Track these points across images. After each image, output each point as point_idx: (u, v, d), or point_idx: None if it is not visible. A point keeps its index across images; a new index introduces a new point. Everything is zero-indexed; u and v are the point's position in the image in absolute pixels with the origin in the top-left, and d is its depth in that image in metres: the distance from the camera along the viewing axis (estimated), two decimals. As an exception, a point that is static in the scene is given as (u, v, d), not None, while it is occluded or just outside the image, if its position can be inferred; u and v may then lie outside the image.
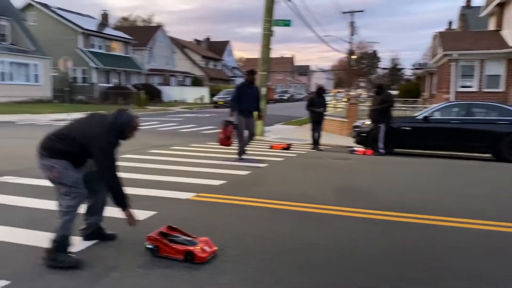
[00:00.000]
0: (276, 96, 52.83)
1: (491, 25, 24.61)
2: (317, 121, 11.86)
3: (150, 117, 23.67)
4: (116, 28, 48.71)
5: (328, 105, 13.36)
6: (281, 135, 15.34)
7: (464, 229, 4.53)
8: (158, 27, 51.92)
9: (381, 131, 10.79)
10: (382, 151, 10.78)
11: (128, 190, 5.69)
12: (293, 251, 3.77)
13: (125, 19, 71.02)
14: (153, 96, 37.22)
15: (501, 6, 22.12)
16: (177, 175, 7.02)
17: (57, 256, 3.30)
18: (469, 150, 11.16)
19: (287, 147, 11.38)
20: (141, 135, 14.60)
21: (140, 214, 4.67)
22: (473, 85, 20.87)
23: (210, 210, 5.06)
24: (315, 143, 11.83)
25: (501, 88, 20.33)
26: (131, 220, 3.62)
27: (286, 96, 57.37)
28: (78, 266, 3.28)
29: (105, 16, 44.42)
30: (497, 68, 20.50)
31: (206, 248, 3.54)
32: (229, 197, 5.65)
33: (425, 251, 3.85)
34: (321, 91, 12.02)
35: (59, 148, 3.41)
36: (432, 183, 7.28)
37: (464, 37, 23.45)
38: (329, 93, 61.43)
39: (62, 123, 15.01)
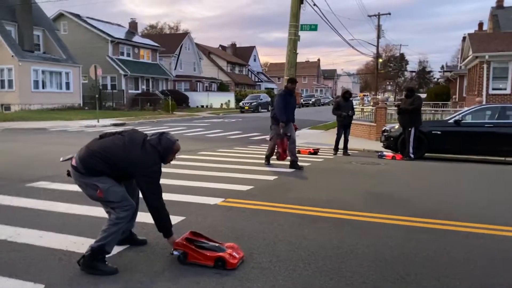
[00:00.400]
0: (301, 101, 52.61)
1: (525, 25, 23.80)
2: (344, 125, 11.69)
3: (177, 122, 23.97)
4: (144, 36, 49.73)
5: (355, 109, 13.15)
6: (307, 140, 15.22)
7: (509, 237, 4.34)
8: (185, 34, 52.68)
9: (411, 135, 10.55)
10: (412, 155, 10.53)
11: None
12: (328, 259, 3.68)
13: (152, 27, 72.51)
14: (180, 101, 37.68)
15: (535, 5, 21.35)
16: (205, 180, 7.05)
17: (96, 264, 3.31)
18: (503, 155, 10.78)
19: (314, 152, 11.27)
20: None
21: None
22: (506, 88, 20.18)
23: (238, 215, 5.04)
24: (344, 147, 11.60)
25: (536, 90, 19.59)
26: (172, 243, 3.56)
27: (312, 100, 57.00)
28: (114, 274, 3.30)
29: (133, 25, 45.41)
30: (532, 70, 19.76)
31: (235, 254, 3.51)
32: (258, 202, 5.62)
33: (469, 261, 3.70)
34: (347, 94, 11.86)
35: (101, 169, 3.35)
36: (468, 188, 7.04)
37: (496, 38, 22.73)
38: (356, 96, 60.83)
39: (92, 130, 15.22)
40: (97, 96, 25.42)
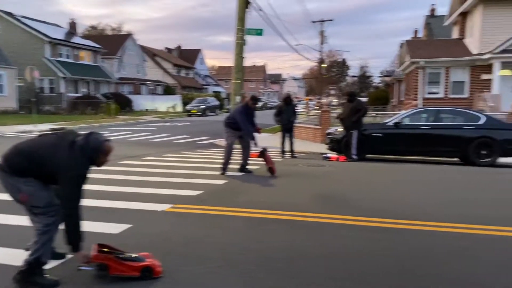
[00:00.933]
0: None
1: (455, 34, 25.54)
2: (286, 129, 11.85)
3: (121, 126, 23.21)
4: (85, 37, 47.74)
5: (297, 113, 13.15)
6: (261, 144, 15.28)
7: (451, 234, 4.60)
8: (128, 35, 51.22)
9: (354, 137, 10.94)
10: (355, 157, 10.92)
11: (100, 203, 5.59)
12: (280, 261, 3.70)
13: (93, 27, 69.73)
14: (124, 105, 36.56)
15: (463, 15, 23.00)
16: (151, 186, 6.87)
17: (34, 278, 3.09)
18: (438, 155, 11.47)
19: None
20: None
21: (114, 228, 4.55)
22: (440, 92, 21.54)
23: (187, 221, 4.96)
24: (291, 151, 11.77)
25: (466, 94, 21.06)
26: (81, 260, 3.23)
27: (259, 104, 57.58)
28: (56, 287, 3.11)
29: (72, 25, 43.49)
30: (462, 75, 21.24)
31: (156, 262, 3.39)
32: (207, 207, 5.56)
33: (415, 257, 3.87)
34: (288, 99, 12.07)
35: (25, 169, 3.10)
36: (409, 188, 7.40)
37: (430, 45, 24.21)
38: (301, 100, 62.13)
39: (29, 135, 14.32)
40: (33, 99, 24.03)
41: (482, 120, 10.91)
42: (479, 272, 3.53)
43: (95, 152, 3.23)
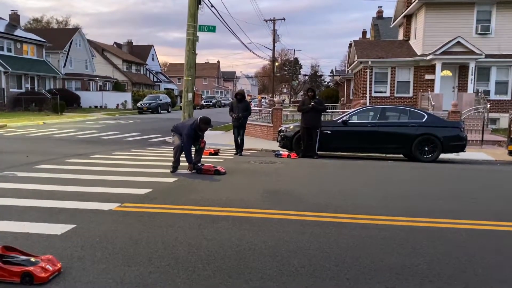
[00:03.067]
0: (202, 102, 52.55)
1: (400, 35, 26.67)
2: (236, 126, 11.77)
3: (67, 124, 22.29)
4: (28, 30, 45.31)
5: (250, 110, 12.88)
6: (209, 141, 15.18)
7: (391, 226, 4.80)
8: (75, 29, 49.14)
9: (318, 135, 11.09)
10: (318, 154, 11.11)
11: (43, 203, 5.35)
12: (227, 258, 3.72)
13: (37, 20, 66.29)
14: (71, 102, 35.13)
15: (408, 18, 24.06)
16: (98, 185, 6.65)
17: None
18: (384, 151, 11.94)
19: (215, 153, 11.32)
20: (57, 144, 13.73)
21: (57, 229, 4.37)
22: (386, 91, 22.43)
23: (136, 220, 4.84)
24: (240, 148, 11.79)
25: (410, 93, 22.09)
26: None
27: (213, 101, 57.28)
28: None
29: (14, 17, 41.09)
30: (407, 75, 22.25)
31: (49, 266, 3.28)
32: (157, 205, 5.47)
33: (358, 249, 4.00)
34: (239, 96, 11.97)
35: None
36: (355, 183, 7.65)
37: (377, 45, 25.12)
38: (254, 98, 62.44)
39: (-35, 132, 13.24)
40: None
41: (425, 118, 11.48)
42: (417, 262, 3.71)
43: None
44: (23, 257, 3.34)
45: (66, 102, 31.99)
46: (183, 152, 8.15)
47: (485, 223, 4.96)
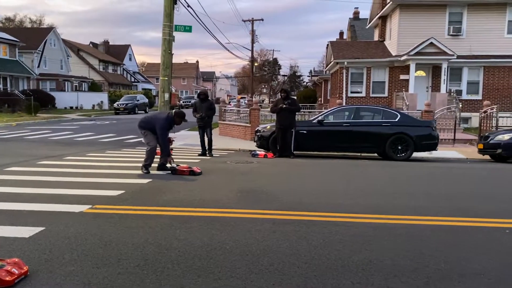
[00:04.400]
0: (181, 102, 52.19)
1: (376, 36, 27.12)
2: (202, 126, 11.50)
3: (41, 125, 21.84)
4: (0, 29, 44.13)
5: (214, 109, 12.02)
6: (185, 141, 15.18)
7: (360, 223, 4.90)
8: (50, 28, 48.14)
9: (293, 135, 11.18)
10: (294, 153, 11.20)
11: (10, 206, 5.25)
12: (197, 257, 3.72)
13: (9, 19, 64.62)
14: (46, 102, 34.37)
15: (383, 19, 24.49)
16: (70, 187, 6.55)
17: None
18: (359, 151, 12.14)
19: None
20: (29, 146, 13.44)
21: (24, 232, 4.31)
22: (362, 91, 22.77)
23: (106, 222, 4.80)
24: (208, 149, 11.44)
25: (386, 93, 22.48)
26: None
27: (192, 101, 57.01)
28: None
29: (-15, 15, 39.99)
30: (382, 75, 22.63)
31: (14, 270, 3.23)
32: (129, 207, 5.43)
33: (327, 246, 4.07)
34: (203, 95, 11.74)
35: None
36: (328, 182, 7.77)
37: (353, 46, 25.48)
38: (233, 98, 62.39)
39: None
40: None
41: (398, 117, 11.72)
42: (383, 258, 3.81)
43: None
44: None
45: (41, 103, 31.31)
46: (157, 151, 8.13)
47: (449, 219, 5.12)
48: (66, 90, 43.34)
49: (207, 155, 11.43)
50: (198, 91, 12.55)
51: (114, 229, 4.54)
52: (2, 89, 34.02)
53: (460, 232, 4.64)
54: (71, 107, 39.27)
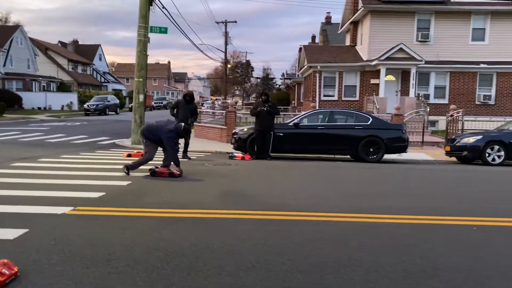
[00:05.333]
0: (153, 103, 51.63)
1: (347, 41, 27.74)
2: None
3: (9, 126, 21.21)
4: (-38, 25, 42.46)
5: (197, 115, 12.28)
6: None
7: (340, 222, 5.11)
8: (16, 26, 46.63)
9: (271, 138, 11.34)
10: (271, 155, 11.37)
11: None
12: (186, 256, 3.81)
13: (-28, 16, 62.16)
14: (12, 103, 33.33)
15: (354, 24, 25.10)
16: (48, 189, 6.49)
17: None
18: (333, 153, 12.46)
19: (129, 155, 10.84)
20: None
21: (8, 233, 4.28)
22: (334, 94, 23.26)
23: (91, 223, 4.82)
24: (184, 151, 11.26)
25: (357, 97, 23.06)
26: None
27: (164, 102, 56.45)
28: None
29: None
30: (353, 79, 23.20)
31: (5, 270, 3.24)
32: (112, 208, 5.45)
33: (309, 244, 4.24)
34: (188, 97, 11.56)
35: None
36: (305, 183, 7.98)
37: (326, 50, 26.01)
38: (207, 100, 62.20)
39: None
40: None
41: (370, 121, 12.12)
42: (363, 254, 4.01)
43: None
44: None
45: (7, 103, 30.35)
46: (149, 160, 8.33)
47: (424, 217, 5.40)
48: (34, 90, 42.12)
49: (183, 158, 11.35)
50: (184, 91, 12.44)
51: (99, 230, 4.57)
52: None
53: (434, 230, 4.92)
54: (39, 108, 38.22)
